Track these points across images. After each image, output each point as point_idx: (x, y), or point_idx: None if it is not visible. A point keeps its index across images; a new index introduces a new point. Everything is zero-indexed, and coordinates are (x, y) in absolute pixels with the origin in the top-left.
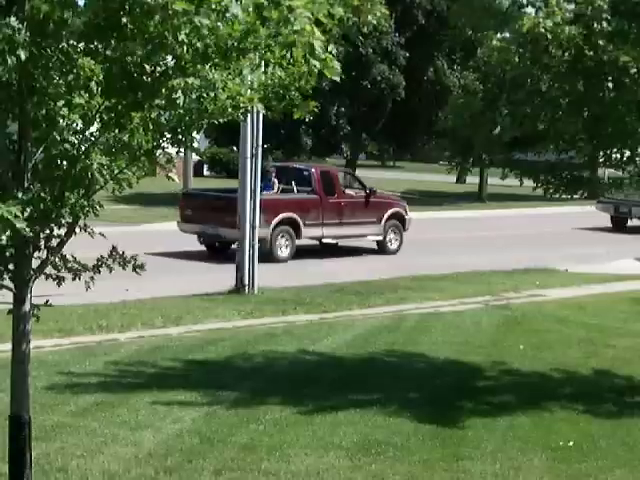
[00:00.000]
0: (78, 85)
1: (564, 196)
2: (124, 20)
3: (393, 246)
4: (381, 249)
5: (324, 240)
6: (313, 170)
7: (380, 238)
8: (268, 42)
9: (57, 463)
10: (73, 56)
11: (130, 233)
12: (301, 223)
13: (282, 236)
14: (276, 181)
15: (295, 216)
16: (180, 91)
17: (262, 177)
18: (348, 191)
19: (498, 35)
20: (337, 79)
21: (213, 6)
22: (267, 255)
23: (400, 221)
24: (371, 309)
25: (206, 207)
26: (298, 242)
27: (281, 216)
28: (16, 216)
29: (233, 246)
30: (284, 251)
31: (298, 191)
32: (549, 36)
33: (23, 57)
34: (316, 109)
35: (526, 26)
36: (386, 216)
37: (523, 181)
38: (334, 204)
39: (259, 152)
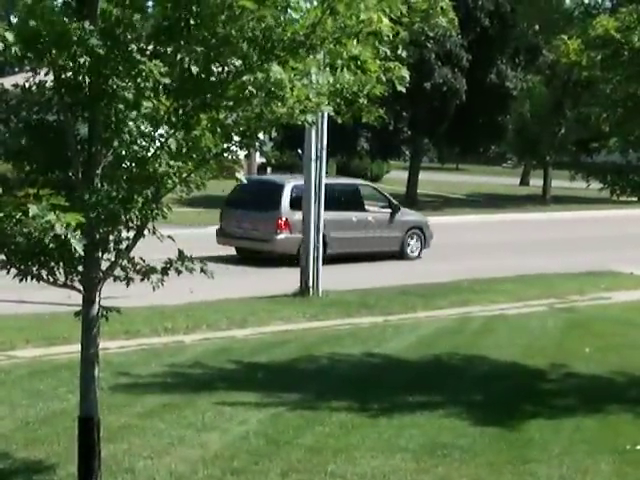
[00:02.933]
0: (146, 87)
1: (632, 198)
2: (192, 22)
3: None
4: None
5: None
6: None
7: None
8: (336, 35)
9: (124, 464)
10: (141, 59)
11: (195, 235)
12: None
13: None
14: None
15: None
16: (247, 88)
17: None
18: None
19: (566, 37)
20: (403, 90)
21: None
22: None
23: None
24: (435, 311)
25: None
26: None
27: None
28: (69, 225)
29: None
30: None
31: None
32: (621, 40)
33: (98, 56)
34: (383, 115)
35: (598, 30)
36: None
37: (590, 182)
38: None
39: (323, 154)
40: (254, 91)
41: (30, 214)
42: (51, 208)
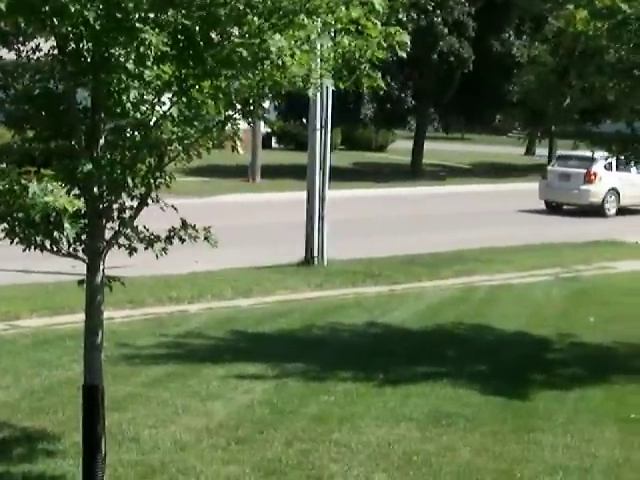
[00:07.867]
0: (148, 56)
1: None
2: None
3: None
4: None
5: None
6: None
7: None
8: (330, 4)
9: (129, 433)
10: (144, 28)
11: (197, 205)
12: None
13: None
14: None
15: None
16: (247, 56)
17: None
18: None
19: (572, 7)
20: (404, 54)
21: None
22: None
23: None
24: (440, 281)
25: None
26: None
27: None
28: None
29: None
30: None
31: None
32: (628, 10)
33: (97, 27)
34: (384, 82)
35: (605, 0)
36: None
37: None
38: None
39: (328, 124)
40: (254, 59)
41: (29, 192)
42: (51, 188)
